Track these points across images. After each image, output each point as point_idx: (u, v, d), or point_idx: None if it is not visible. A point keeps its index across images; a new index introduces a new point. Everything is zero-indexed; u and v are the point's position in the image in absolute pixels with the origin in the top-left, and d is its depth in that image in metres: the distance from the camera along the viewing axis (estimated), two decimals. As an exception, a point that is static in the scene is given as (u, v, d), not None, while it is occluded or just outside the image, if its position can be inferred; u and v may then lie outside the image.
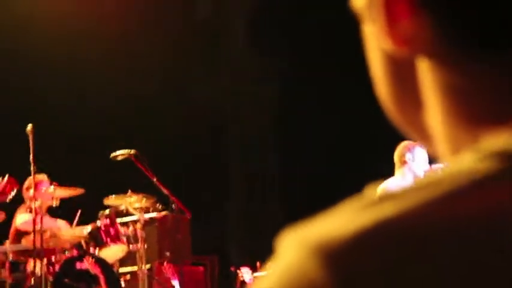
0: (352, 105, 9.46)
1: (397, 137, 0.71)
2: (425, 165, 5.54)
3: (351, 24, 0.73)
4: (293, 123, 10.51)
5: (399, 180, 5.51)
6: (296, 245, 0.52)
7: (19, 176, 6.73)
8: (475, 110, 0.59)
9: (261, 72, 10.54)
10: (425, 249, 0.49)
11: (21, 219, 6.62)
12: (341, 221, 0.51)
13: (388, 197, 0.53)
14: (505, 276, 0.49)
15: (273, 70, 10.44)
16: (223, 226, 10.94)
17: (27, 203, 6.99)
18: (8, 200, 5.84)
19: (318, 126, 10.10)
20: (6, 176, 5.81)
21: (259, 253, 6.05)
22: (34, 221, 6.11)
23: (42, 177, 6.68)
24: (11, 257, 6.15)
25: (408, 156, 5.59)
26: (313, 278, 0.49)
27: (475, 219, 0.51)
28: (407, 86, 0.62)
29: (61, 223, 6.84)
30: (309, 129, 10.27)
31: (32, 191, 6.06)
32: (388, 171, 5.68)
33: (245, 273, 6.78)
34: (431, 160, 5.48)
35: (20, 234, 6.74)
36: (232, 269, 7.15)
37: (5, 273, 6.05)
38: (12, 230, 6.90)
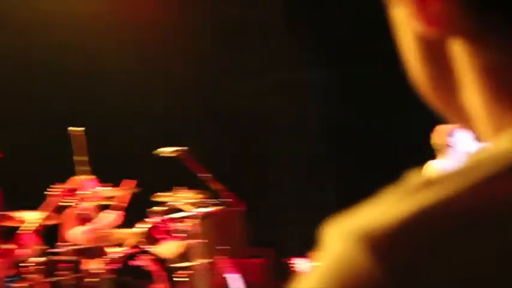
0: (400, 92, 9.36)
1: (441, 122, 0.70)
2: (467, 146, 5.47)
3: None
4: (342, 110, 10.47)
5: (443, 164, 5.47)
6: (342, 235, 0.52)
7: (66, 178, 6.81)
8: None
9: (305, 62, 10.53)
10: (469, 236, 0.49)
11: (73, 234, 6.67)
12: (385, 209, 0.52)
13: (429, 183, 0.53)
14: None
15: (317, 59, 10.42)
16: (278, 217, 10.96)
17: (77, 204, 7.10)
18: None
19: (367, 113, 10.06)
20: None
21: (314, 243, 6.03)
22: (87, 221, 6.18)
23: (92, 178, 6.77)
24: (69, 257, 6.24)
25: (450, 140, 5.54)
26: (361, 268, 0.50)
27: None
28: (442, 68, 0.62)
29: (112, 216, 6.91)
30: (358, 116, 10.23)
31: (83, 192, 6.14)
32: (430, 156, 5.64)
33: (299, 263, 6.78)
34: (473, 140, 5.42)
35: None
36: (287, 260, 7.16)
37: (63, 273, 6.13)
38: (62, 230, 6.99)
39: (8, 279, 5.40)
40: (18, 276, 5.56)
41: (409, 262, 0.49)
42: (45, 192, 5.93)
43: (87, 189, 6.38)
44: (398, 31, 0.64)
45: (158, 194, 7.08)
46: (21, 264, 5.76)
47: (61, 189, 5.93)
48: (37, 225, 5.66)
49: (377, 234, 0.50)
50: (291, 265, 6.89)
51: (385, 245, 0.50)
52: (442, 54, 0.61)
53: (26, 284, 5.68)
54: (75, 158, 6.09)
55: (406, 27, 0.63)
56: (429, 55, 0.62)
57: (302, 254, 6.95)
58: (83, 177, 6.33)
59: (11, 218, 6.19)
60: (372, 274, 0.49)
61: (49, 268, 6.27)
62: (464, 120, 0.63)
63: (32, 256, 5.87)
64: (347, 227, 0.52)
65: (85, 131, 6.20)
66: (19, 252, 5.50)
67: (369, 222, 0.51)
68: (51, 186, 5.95)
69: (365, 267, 0.49)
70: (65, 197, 5.88)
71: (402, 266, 0.49)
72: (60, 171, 6.72)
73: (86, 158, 6.17)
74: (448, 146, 5.55)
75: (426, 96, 0.65)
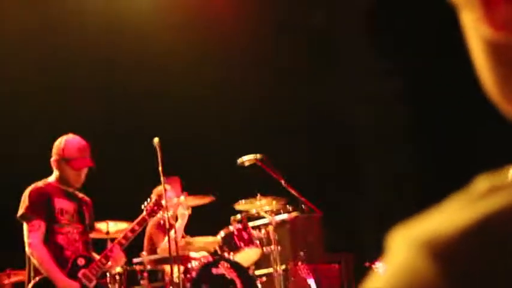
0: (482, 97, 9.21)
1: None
2: None
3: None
4: (425, 117, 10.35)
5: None
6: (406, 242, 0.52)
7: (149, 189, 6.91)
8: None
9: (386, 68, 10.42)
10: None
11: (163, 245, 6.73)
12: (449, 216, 0.52)
13: (494, 189, 0.52)
14: None
15: (398, 66, 10.30)
16: (356, 222, 10.87)
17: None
18: None
19: (450, 119, 9.92)
20: None
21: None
22: (168, 231, 6.25)
23: (168, 187, 6.85)
24: (148, 266, 6.30)
25: None
26: (423, 275, 0.50)
27: None
28: (510, 72, 0.61)
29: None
30: (441, 122, 10.09)
31: (163, 202, 6.20)
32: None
33: (380, 268, 6.72)
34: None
35: (154, 244, 6.93)
36: (366, 264, 7.10)
37: (144, 282, 6.21)
38: (146, 239, 7.08)
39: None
40: (101, 287, 5.64)
41: (472, 270, 0.48)
42: (142, 207, 5.99)
43: (168, 199, 6.45)
44: (466, 35, 0.64)
45: (241, 201, 7.11)
46: (105, 275, 5.85)
47: (150, 203, 5.98)
48: (124, 233, 5.74)
49: (440, 241, 0.50)
50: (372, 269, 6.82)
51: (448, 253, 0.49)
52: (510, 58, 0.60)
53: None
54: (160, 168, 6.15)
55: (474, 31, 0.62)
56: (497, 59, 0.61)
57: (381, 259, 6.88)
58: (161, 188, 6.39)
59: (96, 230, 6.30)
60: (435, 281, 0.49)
61: (130, 278, 6.36)
62: None
63: (116, 266, 5.95)
64: (411, 234, 0.52)
65: (162, 141, 6.25)
66: (104, 263, 5.58)
67: (432, 230, 0.51)
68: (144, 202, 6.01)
69: (428, 275, 0.49)
70: (153, 210, 5.94)
71: (465, 274, 0.48)
72: (145, 182, 6.83)
73: (160, 168, 6.22)
74: None
75: (495, 100, 0.64)
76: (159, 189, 6.54)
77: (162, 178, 6.16)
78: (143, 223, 5.88)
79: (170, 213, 6.45)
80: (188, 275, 6.43)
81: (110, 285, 5.85)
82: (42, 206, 5.46)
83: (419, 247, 0.51)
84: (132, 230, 5.72)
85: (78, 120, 8.27)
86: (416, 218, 0.54)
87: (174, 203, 6.57)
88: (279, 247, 7.03)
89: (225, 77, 9.96)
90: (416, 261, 0.51)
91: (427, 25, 9.79)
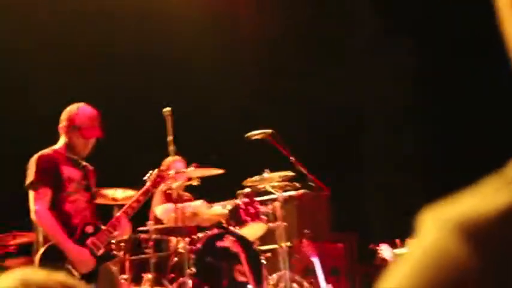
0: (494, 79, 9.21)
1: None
2: None
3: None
4: (431, 98, 10.33)
5: None
6: (438, 223, 0.52)
7: (158, 159, 6.92)
8: None
9: (396, 50, 10.40)
10: None
11: (160, 209, 6.77)
12: (483, 199, 0.51)
13: None
14: None
15: (409, 49, 10.28)
16: (362, 203, 10.88)
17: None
18: None
19: (457, 102, 9.90)
20: None
21: (398, 230, 5.99)
22: (175, 201, 6.26)
23: (177, 158, 6.84)
24: (154, 235, 6.32)
25: None
26: (456, 255, 0.49)
27: None
28: None
29: (198, 203, 6.97)
30: (447, 104, 10.07)
31: (172, 172, 6.20)
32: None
33: (385, 250, 6.72)
34: None
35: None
36: (371, 246, 7.11)
37: (150, 251, 6.23)
38: (152, 210, 7.10)
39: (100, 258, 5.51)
40: (109, 254, 5.65)
41: (504, 252, 0.48)
42: (144, 178, 5.99)
43: (175, 169, 6.45)
44: (501, 15, 0.62)
45: (249, 176, 7.12)
46: (111, 243, 5.87)
47: (154, 174, 5.97)
48: (129, 203, 5.74)
49: (474, 223, 0.49)
50: (376, 251, 6.83)
51: (482, 235, 0.49)
52: None
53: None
54: (169, 138, 6.14)
55: (509, 9, 0.61)
56: None
57: (387, 240, 6.90)
58: (171, 158, 6.38)
59: (103, 196, 6.30)
60: (467, 262, 0.49)
61: (135, 246, 6.39)
62: None
63: (122, 236, 5.97)
64: (444, 215, 0.52)
65: (173, 111, 6.24)
66: (111, 231, 5.59)
67: (465, 212, 0.51)
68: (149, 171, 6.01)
69: (460, 255, 0.49)
70: (157, 181, 5.93)
71: (497, 255, 0.48)
72: (155, 152, 6.84)
73: (171, 138, 6.22)
74: None
75: None
76: (169, 160, 6.55)
77: (171, 148, 6.16)
78: (147, 194, 5.87)
79: (178, 183, 6.46)
80: (193, 247, 6.45)
81: (115, 252, 5.86)
82: (49, 173, 5.44)
83: (452, 228, 0.50)
84: (137, 201, 5.72)
85: (90, 88, 8.27)
86: (448, 199, 0.53)
87: (182, 173, 6.57)
88: (284, 223, 7.04)
89: (238, 50, 9.94)
90: (448, 242, 0.50)
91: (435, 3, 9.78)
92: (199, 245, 6.44)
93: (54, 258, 5.28)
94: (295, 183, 7.32)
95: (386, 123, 10.76)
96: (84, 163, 5.73)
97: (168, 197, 7.08)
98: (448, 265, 0.49)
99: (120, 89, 9.30)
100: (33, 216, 5.40)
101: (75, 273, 5.30)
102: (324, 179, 7.98)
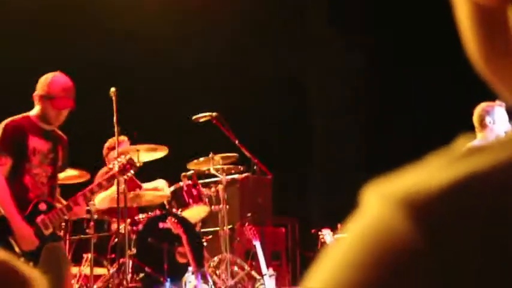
0: (438, 68, 9.34)
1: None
2: (506, 124, 5.43)
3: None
4: (378, 90, 10.43)
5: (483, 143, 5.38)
6: (382, 198, 0.51)
7: (102, 138, 6.85)
8: None
9: (345, 43, 10.47)
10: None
11: (99, 198, 6.66)
12: (428, 174, 0.50)
13: (474, 151, 0.51)
14: None
15: (357, 41, 10.35)
16: (304, 187, 10.95)
17: (110, 164, 7.16)
18: None
19: (403, 93, 10.01)
20: None
21: (340, 215, 6.04)
22: (118, 183, 6.21)
23: (123, 138, 6.78)
24: (96, 216, 6.27)
25: (488, 119, 5.48)
26: (399, 231, 0.49)
27: None
28: (499, 39, 0.59)
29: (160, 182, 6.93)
30: (393, 95, 10.18)
31: (115, 152, 6.15)
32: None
33: (326, 234, 6.77)
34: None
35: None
36: (313, 230, 7.15)
37: (90, 231, 6.18)
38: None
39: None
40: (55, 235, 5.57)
41: (449, 228, 0.48)
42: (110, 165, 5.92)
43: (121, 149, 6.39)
44: (453, 0, 0.62)
45: (193, 158, 7.10)
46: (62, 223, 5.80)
47: (122, 161, 5.88)
48: (90, 186, 5.64)
49: (418, 199, 0.49)
50: (318, 236, 6.88)
51: (425, 210, 0.48)
52: (499, 23, 0.58)
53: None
54: (115, 119, 6.08)
55: (469, 21, 0.60)
56: (485, 24, 0.59)
57: (328, 225, 6.94)
58: (115, 138, 6.32)
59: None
60: (410, 238, 0.48)
61: (77, 227, 6.33)
62: None
63: (76, 217, 5.87)
64: (387, 190, 0.51)
65: (118, 91, 6.18)
66: (65, 212, 5.49)
67: (410, 187, 0.50)
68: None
69: (403, 231, 0.48)
70: (125, 168, 5.84)
71: (442, 231, 0.48)
72: (100, 132, 6.76)
73: (116, 119, 6.16)
74: (486, 125, 5.48)
75: (480, 68, 0.62)
76: (113, 139, 6.48)
77: (116, 128, 6.11)
78: (112, 180, 5.81)
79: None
80: (134, 227, 6.42)
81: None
82: (13, 142, 5.31)
83: (396, 204, 0.49)
84: (99, 185, 5.62)
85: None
86: (391, 175, 0.53)
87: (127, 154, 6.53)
88: (227, 206, 7.05)
89: (187, 33, 9.89)
90: (391, 217, 0.49)
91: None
92: (140, 226, 6.41)
93: (1, 229, 5.22)
94: (239, 166, 7.34)
95: (332, 108, 10.84)
96: (58, 133, 5.61)
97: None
98: (390, 240, 0.49)
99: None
100: None
101: (17, 249, 5.23)
102: (268, 163, 8.02)
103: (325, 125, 11.00)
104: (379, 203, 0.51)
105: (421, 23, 9.42)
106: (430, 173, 0.51)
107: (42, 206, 5.37)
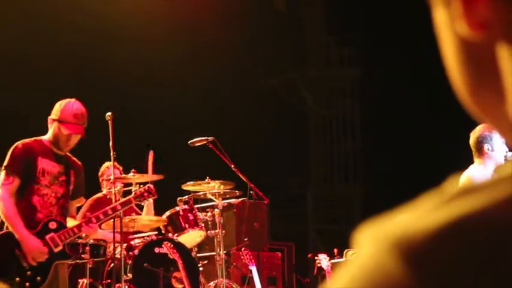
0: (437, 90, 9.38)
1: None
2: (504, 150, 5.42)
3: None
4: (376, 107, 10.46)
5: (481, 170, 5.38)
6: (375, 240, 0.51)
7: (96, 163, 6.83)
8: None
9: (342, 55, 10.51)
10: (508, 246, 0.48)
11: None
12: (420, 216, 0.51)
13: (466, 191, 0.51)
14: None
15: (354, 54, 10.39)
16: (302, 213, 10.95)
17: (104, 190, 7.17)
18: None
19: (402, 110, 10.04)
20: None
21: (336, 240, 6.03)
22: (114, 209, 6.19)
23: (111, 164, 6.81)
24: (91, 240, 6.26)
25: (487, 147, 5.46)
26: (392, 273, 0.49)
27: None
28: (485, 74, 0.59)
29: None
30: (392, 113, 10.21)
31: (112, 177, 6.16)
32: (468, 158, 5.56)
33: (322, 259, 6.76)
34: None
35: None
36: (309, 255, 7.14)
37: (86, 256, 6.16)
38: (85, 211, 7.02)
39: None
40: (65, 253, 5.60)
41: (442, 271, 0.48)
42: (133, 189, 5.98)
43: (110, 175, 6.40)
44: (439, 33, 0.62)
45: (189, 182, 7.09)
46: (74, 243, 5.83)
47: (140, 188, 5.96)
48: (104, 209, 5.70)
49: (411, 241, 0.49)
50: (314, 261, 6.86)
51: (418, 253, 0.49)
52: (486, 59, 0.58)
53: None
54: (111, 143, 6.12)
55: (448, 29, 0.60)
56: (471, 59, 0.59)
57: (324, 250, 6.94)
58: (107, 163, 6.36)
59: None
60: (403, 281, 0.48)
61: (72, 251, 6.31)
62: (504, 129, 0.61)
63: (87, 238, 5.93)
64: (381, 232, 0.51)
65: (115, 117, 6.18)
66: (76, 232, 5.55)
67: (403, 229, 0.50)
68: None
69: (396, 274, 0.48)
70: (142, 195, 5.91)
71: (435, 275, 0.48)
72: (97, 156, 6.76)
73: (112, 143, 6.17)
74: (484, 153, 5.46)
75: (465, 101, 0.62)
76: (105, 165, 6.51)
77: (112, 152, 6.12)
78: (127, 205, 5.88)
79: (118, 188, 6.40)
80: (130, 252, 6.40)
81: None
82: (22, 163, 5.45)
83: (390, 246, 0.50)
84: (114, 209, 5.70)
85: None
86: (386, 215, 0.54)
87: (122, 179, 6.53)
88: (223, 231, 7.03)
89: (183, 59, 9.93)
90: (385, 260, 0.50)
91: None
92: (136, 251, 6.39)
93: (7, 244, 5.26)
94: (235, 191, 7.33)
95: (331, 134, 10.85)
96: (72, 159, 5.73)
97: (107, 202, 7.00)
98: (383, 283, 0.49)
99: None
100: None
101: (24, 263, 5.27)
102: (265, 188, 8.00)
103: (323, 149, 11.00)
104: (373, 245, 0.51)
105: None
106: (422, 215, 0.51)
107: (53, 225, 5.47)
